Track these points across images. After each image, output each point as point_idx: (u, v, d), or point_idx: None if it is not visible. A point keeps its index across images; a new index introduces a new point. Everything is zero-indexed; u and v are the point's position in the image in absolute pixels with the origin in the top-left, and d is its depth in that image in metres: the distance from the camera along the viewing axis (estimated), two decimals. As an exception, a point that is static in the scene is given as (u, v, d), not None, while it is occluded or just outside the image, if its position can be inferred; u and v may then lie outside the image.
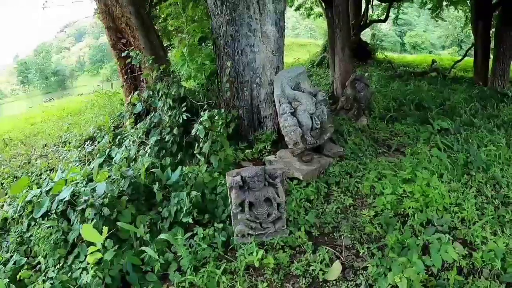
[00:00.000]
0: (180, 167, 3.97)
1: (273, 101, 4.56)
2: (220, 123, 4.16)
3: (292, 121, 4.01)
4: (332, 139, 4.90)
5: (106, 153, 5.35)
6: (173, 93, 4.73)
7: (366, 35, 16.40)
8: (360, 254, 2.95)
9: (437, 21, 14.86)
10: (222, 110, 4.24)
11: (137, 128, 5.31)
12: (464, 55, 12.38)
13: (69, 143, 7.25)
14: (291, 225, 3.30)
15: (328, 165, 4.29)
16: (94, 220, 3.41)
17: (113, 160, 4.95)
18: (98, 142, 6.13)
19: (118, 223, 3.27)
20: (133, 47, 6.10)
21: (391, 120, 6.31)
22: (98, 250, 2.90)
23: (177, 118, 4.60)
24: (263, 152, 4.54)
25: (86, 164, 5.48)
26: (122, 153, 4.88)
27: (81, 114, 9.86)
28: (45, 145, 7.91)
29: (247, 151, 4.47)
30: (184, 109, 4.58)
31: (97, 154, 5.60)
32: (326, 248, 2.99)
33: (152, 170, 3.89)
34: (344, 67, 7.56)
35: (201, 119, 4.08)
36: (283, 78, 4.31)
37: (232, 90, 4.64)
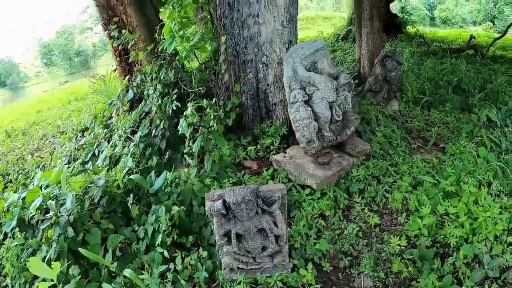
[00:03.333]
0: (164, 172, 3.21)
1: (283, 85, 3.66)
2: (212, 116, 3.35)
3: (305, 113, 3.12)
4: (357, 131, 3.99)
5: (94, 148, 4.68)
6: (162, 78, 3.93)
7: (394, 8, 14.86)
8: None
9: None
10: (214, 100, 3.40)
11: (128, 119, 4.58)
12: (505, 32, 10.84)
13: (65, 133, 6.66)
14: (296, 255, 2.50)
15: (351, 166, 3.41)
16: (58, 244, 2.77)
17: (98, 159, 4.28)
18: (90, 133, 5.47)
19: (81, 250, 2.58)
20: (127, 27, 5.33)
21: (426, 105, 5.26)
22: (54, 286, 2.22)
23: (166, 108, 3.82)
24: (271, 149, 3.69)
25: (72, 162, 4.84)
26: (107, 150, 4.17)
27: (85, 98, 9.27)
28: (44, 135, 7.37)
29: (250, 148, 3.63)
30: (174, 96, 3.78)
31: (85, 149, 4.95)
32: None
33: (131, 176, 3.15)
34: (372, 41, 6.48)
35: (185, 112, 3.26)
36: (295, 55, 3.38)
37: (230, 72, 3.76)
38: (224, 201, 1.99)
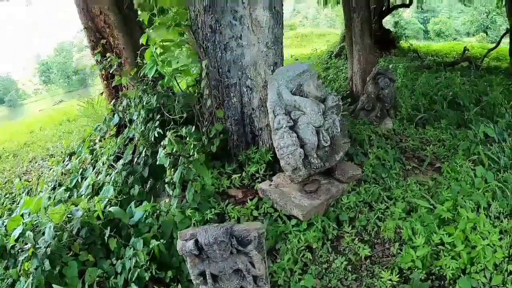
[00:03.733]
0: (145, 202, 3.06)
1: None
2: (192, 146, 3.21)
3: (290, 139, 2.98)
4: (348, 153, 3.86)
5: (78, 174, 4.53)
6: (145, 103, 3.82)
7: (387, 23, 14.92)
8: None
9: (465, 5, 13.22)
10: (193, 128, 3.28)
11: (112, 145, 4.45)
12: (498, 42, 10.85)
13: (54, 157, 6.52)
14: (281, 294, 2.32)
15: (340, 193, 3.26)
16: (35, 278, 2.65)
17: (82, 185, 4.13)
18: (77, 158, 5.33)
19: (55, 287, 2.46)
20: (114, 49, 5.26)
21: (421, 122, 5.14)
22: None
23: (149, 134, 3.69)
24: (257, 177, 3.54)
25: (58, 188, 4.68)
26: (90, 178, 4.02)
27: (76, 120, 9.16)
28: (34, 158, 7.23)
29: (235, 176, 3.48)
30: (157, 123, 3.66)
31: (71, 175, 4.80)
32: None
33: (111, 209, 2.99)
34: (364, 58, 6.41)
35: (163, 141, 3.13)
36: (280, 78, 3.27)
37: (212, 98, 3.64)
38: (197, 241, 1.84)
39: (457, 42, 19.56)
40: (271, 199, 3.24)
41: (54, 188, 4.96)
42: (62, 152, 6.58)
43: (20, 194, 5.38)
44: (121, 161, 3.79)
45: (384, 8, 11.20)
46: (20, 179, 6.17)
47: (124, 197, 3.42)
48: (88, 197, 3.68)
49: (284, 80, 3.26)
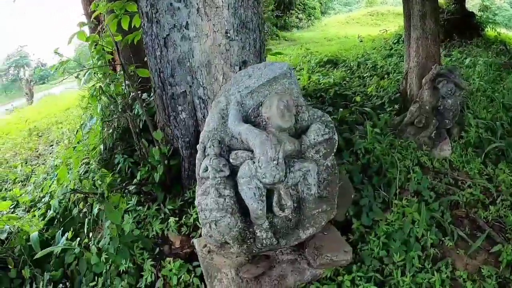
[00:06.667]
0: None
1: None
2: (101, 181, 2.21)
3: (216, 200, 1.77)
4: (357, 203, 2.49)
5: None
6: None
7: (473, 7, 11.85)
8: None
9: None
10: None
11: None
12: None
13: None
14: None
15: (308, 281, 1.97)
16: None
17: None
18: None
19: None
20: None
21: (494, 153, 3.41)
22: None
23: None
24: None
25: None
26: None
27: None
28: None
29: (172, 219, 2.45)
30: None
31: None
32: None
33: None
34: (424, 49, 4.62)
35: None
36: (235, 90, 2.02)
37: (143, 109, 2.55)
38: None
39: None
40: (201, 266, 2.11)
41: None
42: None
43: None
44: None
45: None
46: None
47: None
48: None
49: (240, 92, 2.01)
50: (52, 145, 6.77)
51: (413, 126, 3.92)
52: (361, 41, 11.47)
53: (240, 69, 2.39)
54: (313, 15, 19.02)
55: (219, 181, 1.82)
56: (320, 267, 1.98)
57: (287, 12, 17.09)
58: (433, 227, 2.43)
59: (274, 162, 1.77)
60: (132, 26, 3.01)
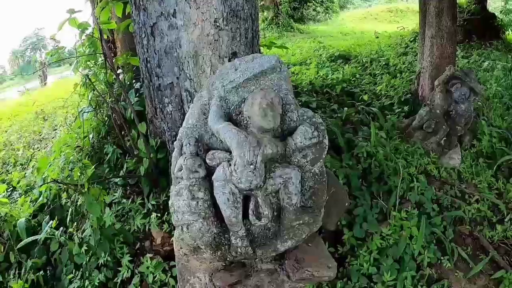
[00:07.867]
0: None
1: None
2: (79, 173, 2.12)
3: (188, 203, 1.63)
4: (349, 211, 2.32)
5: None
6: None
7: (493, 7, 11.24)
8: None
9: None
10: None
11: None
12: None
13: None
14: None
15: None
16: None
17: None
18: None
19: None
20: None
21: (507, 166, 3.17)
22: None
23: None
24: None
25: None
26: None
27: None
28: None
29: (153, 215, 2.36)
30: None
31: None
32: None
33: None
34: (439, 49, 4.38)
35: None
36: (219, 84, 1.85)
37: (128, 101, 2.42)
38: None
39: None
40: (176, 267, 1.98)
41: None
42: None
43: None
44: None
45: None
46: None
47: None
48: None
49: (224, 87, 1.84)
50: (55, 129, 6.75)
51: (422, 130, 3.71)
52: (377, 37, 11.13)
53: (229, 61, 2.23)
54: (331, 9, 18.53)
55: (193, 183, 1.68)
56: (300, 282, 1.83)
57: (305, 5, 16.69)
58: (432, 244, 2.24)
59: (251, 166, 1.61)
60: (127, 13, 2.88)
